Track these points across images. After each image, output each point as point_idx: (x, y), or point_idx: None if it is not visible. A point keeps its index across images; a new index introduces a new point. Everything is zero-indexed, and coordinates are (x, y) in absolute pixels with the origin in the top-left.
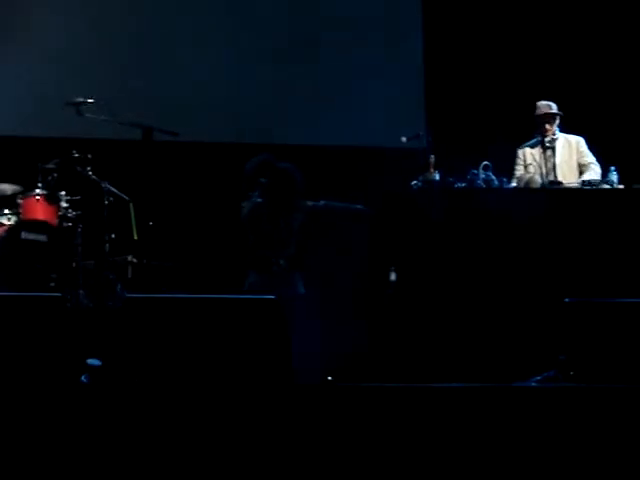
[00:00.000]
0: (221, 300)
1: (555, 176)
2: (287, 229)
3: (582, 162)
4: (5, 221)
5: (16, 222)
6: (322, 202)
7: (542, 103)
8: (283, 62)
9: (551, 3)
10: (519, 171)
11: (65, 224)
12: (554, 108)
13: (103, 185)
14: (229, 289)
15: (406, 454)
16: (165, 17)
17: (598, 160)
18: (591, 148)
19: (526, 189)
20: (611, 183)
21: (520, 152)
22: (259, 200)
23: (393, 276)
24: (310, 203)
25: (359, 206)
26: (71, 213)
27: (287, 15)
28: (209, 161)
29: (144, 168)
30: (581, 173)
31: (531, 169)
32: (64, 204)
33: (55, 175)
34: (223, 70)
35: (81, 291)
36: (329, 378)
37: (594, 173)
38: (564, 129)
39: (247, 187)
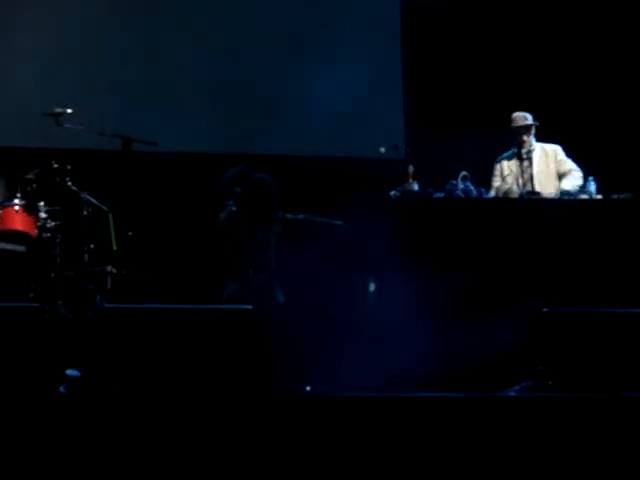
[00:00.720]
0: (199, 311)
1: (533, 186)
2: (264, 240)
3: (562, 170)
4: None
5: None
6: (301, 215)
7: (518, 114)
8: (264, 73)
9: (528, 15)
10: (497, 182)
11: (44, 234)
12: (530, 119)
13: (82, 195)
14: (208, 299)
15: (383, 464)
16: (144, 27)
17: None
18: (568, 158)
19: (505, 199)
20: (589, 193)
21: (497, 164)
22: (234, 209)
23: (372, 286)
24: (289, 216)
25: (339, 222)
26: (50, 224)
27: (269, 25)
28: (188, 171)
29: (123, 178)
30: (561, 181)
31: (509, 180)
32: (43, 215)
33: (34, 185)
34: (203, 79)
35: (60, 302)
36: (307, 388)
37: (575, 179)
38: (541, 139)
39: (223, 197)
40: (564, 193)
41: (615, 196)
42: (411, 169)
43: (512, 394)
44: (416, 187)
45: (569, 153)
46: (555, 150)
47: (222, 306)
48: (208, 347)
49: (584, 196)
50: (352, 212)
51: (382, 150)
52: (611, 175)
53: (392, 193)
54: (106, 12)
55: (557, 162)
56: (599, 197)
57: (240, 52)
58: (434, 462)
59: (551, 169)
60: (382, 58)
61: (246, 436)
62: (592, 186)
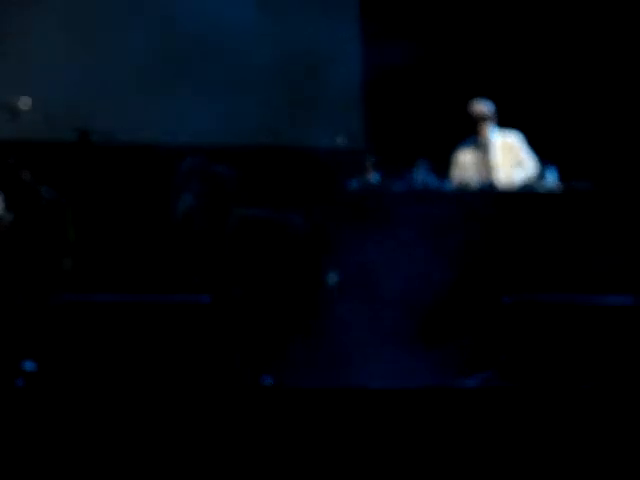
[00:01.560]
0: (159, 302)
1: (493, 175)
2: (219, 234)
3: (519, 159)
4: None
5: None
6: (256, 209)
7: (476, 103)
8: (220, 61)
9: (485, 3)
10: (456, 172)
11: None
12: (489, 107)
13: (39, 187)
14: (167, 291)
15: (342, 456)
16: (97, 17)
17: (536, 158)
18: (528, 145)
19: (464, 189)
20: (549, 182)
21: (457, 153)
22: (191, 204)
23: (332, 278)
24: (245, 210)
25: (294, 215)
26: (6, 216)
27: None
28: (145, 162)
29: (80, 170)
30: (519, 169)
31: (468, 169)
32: None
33: None
34: (157, 69)
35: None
36: (267, 380)
37: (530, 169)
38: (501, 128)
39: (179, 189)
40: (523, 182)
41: (575, 184)
42: (370, 160)
43: (471, 384)
44: (375, 178)
45: (528, 141)
46: (515, 138)
47: (181, 298)
48: (168, 338)
49: (544, 185)
50: (310, 204)
51: (341, 140)
52: (572, 164)
53: (350, 184)
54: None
55: (516, 149)
56: (559, 185)
57: (195, 42)
58: (394, 454)
59: (510, 157)
60: (340, 46)
61: (202, 428)
62: (552, 174)
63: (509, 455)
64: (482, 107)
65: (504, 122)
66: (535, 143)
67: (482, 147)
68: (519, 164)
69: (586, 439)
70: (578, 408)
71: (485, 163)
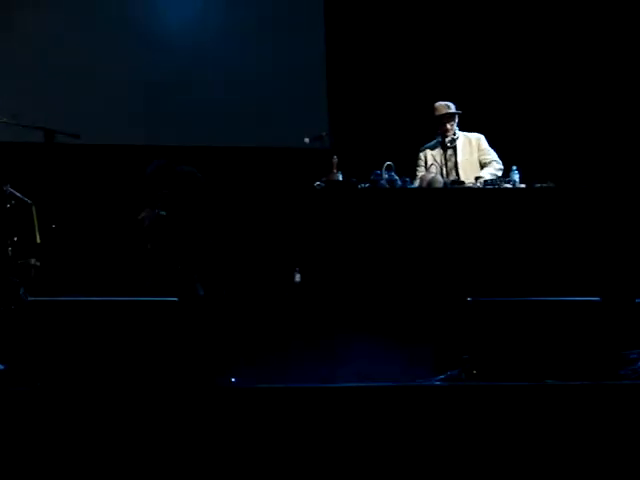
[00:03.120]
0: (124, 302)
1: (457, 175)
2: (188, 237)
3: (483, 160)
4: None
5: None
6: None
7: (440, 104)
8: (186, 61)
9: (447, 4)
10: (421, 172)
11: None
12: (452, 108)
13: (5, 188)
14: (132, 291)
15: (306, 455)
16: (64, 18)
17: (499, 159)
18: (491, 147)
19: (429, 189)
20: (513, 182)
21: (421, 153)
22: (162, 213)
23: (297, 277)
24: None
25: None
26: None
27: (187, 14)
28: (111, 163)
29: (46, 171)
30: (483, 170)
31: (433, 169)
32: None
33: None
34: (123, 71)
35: None
36: (232, 380)
37: (495, 170)
38: (464, 129)
39: (147, 193)
40: (488, 182)
41: (538, 185)
42: (335, 159)
43: (437, 383)
44: (340, 177)
45: (491, 143)
46: (478, 139)
47: (147, 298)
48: (133, 338)
49: (508, 185)
50: (277, 203)
51: (306, 140)
52: (534, 164)
53: (317, 184)
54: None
55: (480, 151)
56: (522, 186)
57: (160, 43)
58: (359, 452)
59: (474, 158)
60: (306, 48)
61: (172, 426)
62: (515, 175)
63: (476, 452)
64: (446, 107)
65: (466, 123)
66: (497, 144)
67: (447, 147)
68: (482, 164)
69: (551, 435)
70: (543, 405)
71: (450, 162)
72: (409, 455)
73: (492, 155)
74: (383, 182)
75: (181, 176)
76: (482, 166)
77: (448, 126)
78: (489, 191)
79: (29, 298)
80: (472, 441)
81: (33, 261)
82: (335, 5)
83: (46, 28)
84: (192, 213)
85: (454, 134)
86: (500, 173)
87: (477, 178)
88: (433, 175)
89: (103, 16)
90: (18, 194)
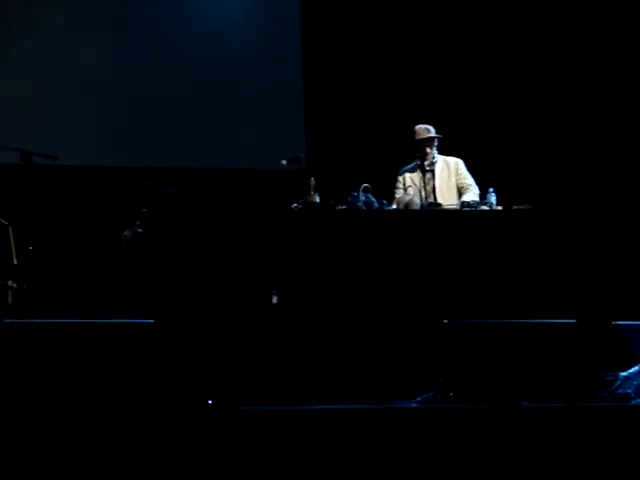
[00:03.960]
0: (101, 324)
1: (435, 199)
2: (166, 258)
3: (461, 184)
4: None
5: None
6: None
7: (420, 127)
8: (165, 84)
9: (426, 28)
10: (399, 194)
11: None
12: (432, 131)
13: None
14: (109, 313)
15: (283, 477)
16: (40, 37)
17: (477, 182)
18: (469, 170)
19: (406, 211)
20: (490, 204)
21: (400, 176)
22: (140, 230)
23: (275, 299)
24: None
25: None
26: None
27: (166, 36)
28: (88, 185)
29: (23, 192)
30: (460, 195)
31: (410, 192)
32: None
33: None
34: (101, 91)
35: None
36: (209, 402)
37: (473, 195)
38: (442, 150)
39: (130, 214)
40: (465, 204)
41: (515, 207)
42: (312, 181)
43: (414, 405)
44: (317, 199)
45: (469, 165)
46: (457, 163)
47: (123, 320)
48: (110, 360)
49: (484, 207)
50: (254, 224)
51: (284, 162)
52: (511, 187)
53: (294, 205)
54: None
55: (458, 175)
56: (499, 208)
57: (139, 65)
58: (335, 474)
59: (452, 182)
60: (284, 70)
61: (148, 448)
62: (492, 197)
63: (453, 474)
64: (426, 131)
65: (445, 147)
66: (475, 166)
67: (426, 170)
68: (460, 189)
69: (526, 456)
70: (519, 426)
71: (428, 185)
72: (386, 477)
73: (469, 180)
74: (360, 204)
75: (163, 198)
76: (459, 190)
77: (428, 150)
78: (466, 213)
79: (5, 320)
80: (449, 463)
81: (10, 283)
82: (313, 26)
83: (25, 49)
84: (171, 234)
85: (433, 157)
86: (477, 199)
87: (455, 201)
88: (410, 197)
89: (81, 38)
90: None
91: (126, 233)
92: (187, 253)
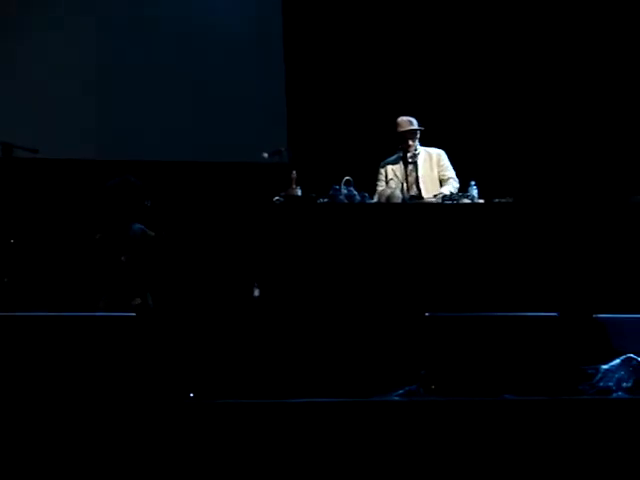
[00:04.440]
0: (82, 318)
1: (418, 190)
2: (136, 260)
3: (442, 176)
4: None
5: None
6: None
7: (403, 119)
8: (146, 76)
9: (406, 19)
10: (381, 187)
11: None
12: (415, 123)
13: None
14: (89, 307)
15: (264, 471)
16: (19, 30)
17: (458, 174)
18: (451, 162)
19: (387, 204)
20: (471, 197)
21: (382, 168)
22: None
23: (256, 292)
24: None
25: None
26: None
27: (155, 31)
28: (69, 178)
29: (4, 185)
30: (441, 187)
31: (392, 184)
32: None
33: None
34: (82, 84)
35: None
36: (191, 395)
37: (453, 188)
38: (423, 142)
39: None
40: (446, 197)
41: (496, 200)
42: (294, 174)
43: (395, 398)
44: (299, 192)
45: (450, 156)
46: (439, 154)
47: (105, 313)
48: (91, 354)
49: (466, 200)
50: (235, 217)
51: (265, 155)
52: (492, 179)
53: (275, 198)
54: None
55: (440, 167)
56: (481, 201)
57: (121, 58)
58: (316, 468)
59: (435, 173)
60: (265, 63)
61: (130, 442)
62: (474, 190)
63: (434, 467)
64: (409, 123)
65: (427, 139)
66: (456, 159)
67: (408, 162)
68: (441, 180)
69: (509, 450)
70: (501, 420)
71: (411, 177)
72: (367, 471)
73: (450, 172)
74: (342, 197)
75: (118, 187)
76: (440, 182)
77: (410, 142)
78: (448, 206)
79: None
80: (430, 457)
81: None
82: (294, 19)
83: (3, 42)
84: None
85: (415, 149)
86: (458, 188)
87: (436, 195)
88: (392, 190)
89: (60, 30)
90: None
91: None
92: (166, 247)
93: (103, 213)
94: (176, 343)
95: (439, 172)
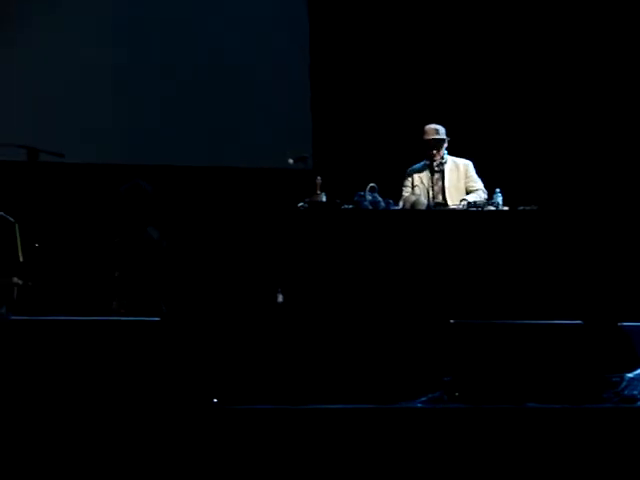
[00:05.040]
0: (106, 322)
1: (444, 199)
2: (152, 263)
3: (469, 188)
4: None
5: None
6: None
7: (430, 127)
8: (171, 82)
9: (435, 28)
10: (406, 193)
11: None
12: (442, 132)
13: None
14: (113, 311)
15: (289, 477)
16: (41, 34)
17: (484, 182)
18: (477, 170)
19: (412, 210)
20: (496, 205)
21: (408, 175)
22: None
23: (280, 298)
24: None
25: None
26: None
27: (173, 36)
28: (95, 182)
29: (30, 189)
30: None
31: (417, 191)
32: None
33: None
34: (105, 90)
35: None
36: (214, 400)
37: (479, 197)
38: (450, 152)
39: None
40: (471, 205)
41: (521, 208)
42: (319, 180)
43: (419, 405)
44: (324, 198)
45: (475, 164)
46: (467, 165)
47: (129, 318)
48: (115, 358)
49: (491, 207)
50: (260, 223)
51: (290, 161)
52: (518, 187)
53: (300, 204)
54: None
55: (467, 178)
56: (506, 209)
57: (143, 63)
58: (340, 474)
59: (461, 184)
60: (291, 69)
61: (151, 446)
62: (499, 198)
63: (458, 474)
64: (435, 132)
65: (453, 146)
66: (481, 166)
67: (435, 170)
68: (468, 191)
69: (531, 457)
70: (524, 427)
71: (437, 186)
72: (391, 478)
73: (478, 184)
74: (366, 203)
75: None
76: (467, 193)
77: (435, 151)
78: (472, 213)
79: (11, 317)
80: (454, 464)
81: (15, 280)
82: (320, 24)
83: (28, 45)
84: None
85: (442, 158)
86: (484, 198)
87: (461, 200)
88: (417, 197)
89: (75, 31)
90: (1, 213)
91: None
92: (192, 252)
93: (118, 217)
94: (200, 349)
95: (466, 183)
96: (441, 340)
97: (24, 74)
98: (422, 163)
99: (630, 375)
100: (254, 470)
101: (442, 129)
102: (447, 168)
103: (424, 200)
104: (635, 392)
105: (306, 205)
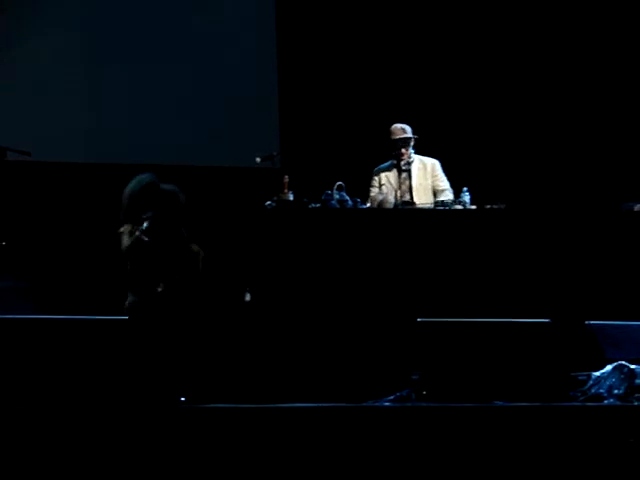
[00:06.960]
0: (74, 321)
1: (412, 198)
2: (169, 258)
3: (437, 187)
4: None
5: None
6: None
7: (397, 127)
8: (139, 80)
9: (400, 25)
10: (374, 192)
11: None
12: (409, 131)
13: None
14: (83, 309)
15: (257, 476)
16: (8, 33)
17: (450, 181)
18: (444, 168)
19: (379, 209)
20: (464, 204)
21: (375, 175)
22: (145, 239)
23: (248, 297)
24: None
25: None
26: None
27: (146, 34)
28: (62, 181)
29: None
30: (435, 197)
31: (384, 190)
32: None
33: None
34: (76, 88)
35: None
36: (182, 399)
37: (447, 193)
38: (417, 150)
39: (129, 212)
40: (439, 204)
41: (488, 206)
42: (286, 179)
43: (387, 404)
44: (291, 197)
45: (442, 163)
46: (434, 164)
47: (96, 317)
48: (84, 357)
49: (458, 206)
50: (228, 222)
51: (258, 160)
52: (483, 187)
53: (267, 203)
54: None
55: (434, 177)
56: (473, 207)
57: (112, 61)
58: (307, 474)
59: (428, 183)
60: (258, 68)
61: (121, 444)
62: (466, 197)
63: (425, 473)
64: (402, 131)
65: (420, 146)
66: (448, 165)
67: (402, 170)
68: (435, 190)
69: (498, 456)
70: (491, 425)
71: (404, 185)
72: (359, 476)
73: (444, 183)
74: (334, 202)
75: (164, 191)
76: (434, 192)
77: (403, 150)
78: (440, 212)
79: None
80: (421, 462)
81: None
82: (287, 23)
83: None
84: (172, 225)
85: (409, 157)
86: (451, 197)
87: (430, 201)
88: (384, 196)
89: (54, 31)
90: None
91: (123, 234)
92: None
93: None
94: (167, 347)
95: (433, 182)
96: (408, 338)
97: None
98: (389, 162)
99: (597, 374)
100: (221, 469)
101: (409, 128)
102: (414, 167)
103: (391, 199)
104: (602, 390)
105: (274, 204)
